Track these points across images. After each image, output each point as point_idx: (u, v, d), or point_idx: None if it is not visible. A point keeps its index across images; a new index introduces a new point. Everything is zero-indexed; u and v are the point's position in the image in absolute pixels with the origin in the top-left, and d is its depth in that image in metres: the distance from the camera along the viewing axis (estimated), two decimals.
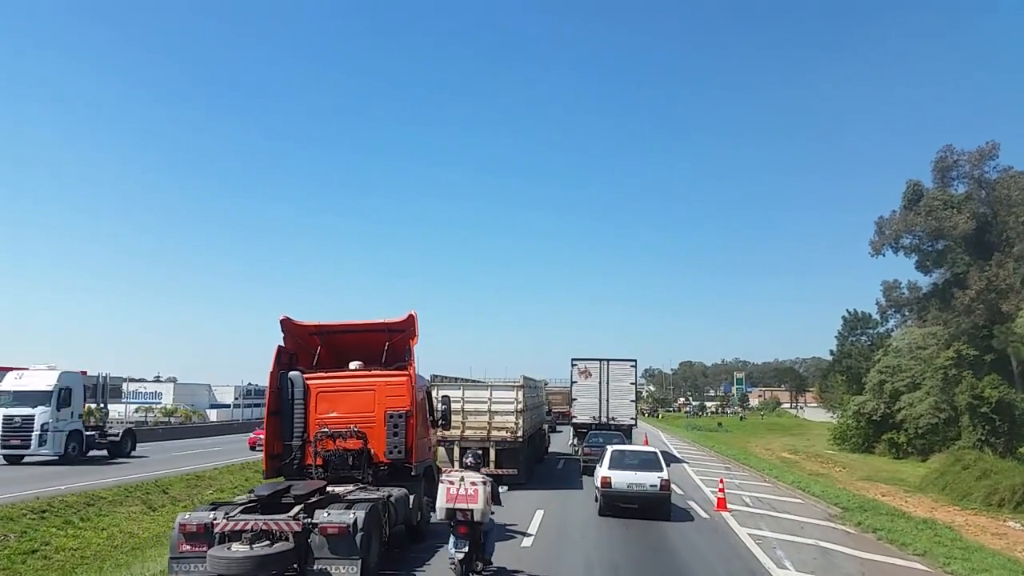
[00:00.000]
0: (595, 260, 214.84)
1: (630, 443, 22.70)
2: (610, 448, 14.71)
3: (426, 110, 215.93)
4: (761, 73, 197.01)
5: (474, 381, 22.24)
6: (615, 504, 13.58)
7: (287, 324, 11.42)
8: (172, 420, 50.25)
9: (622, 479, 13.44)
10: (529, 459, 20.59)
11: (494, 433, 18.02)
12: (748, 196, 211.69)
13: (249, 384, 66.16)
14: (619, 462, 13.92)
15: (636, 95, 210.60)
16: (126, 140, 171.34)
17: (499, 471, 17.67)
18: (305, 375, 10.95)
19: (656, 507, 13.56)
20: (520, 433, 18.10)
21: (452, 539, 8.49)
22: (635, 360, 26.54)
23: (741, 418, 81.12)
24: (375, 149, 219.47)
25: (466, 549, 8.32)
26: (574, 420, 25.86)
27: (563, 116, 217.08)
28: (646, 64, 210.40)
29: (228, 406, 60.26)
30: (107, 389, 44.83)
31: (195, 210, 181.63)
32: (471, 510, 8.28)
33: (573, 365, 25.93)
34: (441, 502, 8.46)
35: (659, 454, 14.47)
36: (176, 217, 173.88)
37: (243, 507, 8.63)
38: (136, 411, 50.88)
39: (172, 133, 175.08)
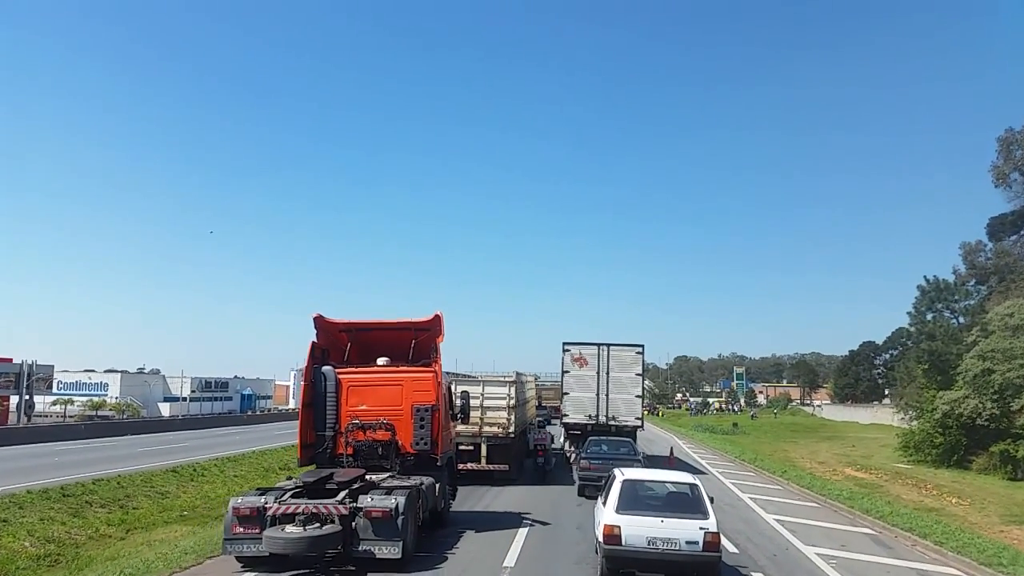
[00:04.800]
0: (586, 254, 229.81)
1: (636, 448, 19.89)
2: (620, 476, 10.63)
3: (423, 107, 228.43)
4: (758, 70, 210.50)
5: (465, 376, 24.24)
6: (627, 571, 9.65)
7: (320, 321, 13.49)
8: (97, 415, 49.24)
9: (639, 530, 9.42)
10: (520, 454, 22.79)
11: (486, 429, 19.96)
12: (743, 191, 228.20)
13: (240, 377, 67.13)
14: (634, 500, 10.02)
15: (635, 93, 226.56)
16: (131, 136, 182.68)
17: (490, 467, 19.92)
18: (337, 370, 13.06)
19: None
20: (512, 429, 20.10)
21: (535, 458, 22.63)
22: (642, 346, 23.84)
23: (753, 416, 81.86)
24: (363, 145, 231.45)
25: (542, 461, 22.20)
26: (565, 419, 24.06)
27: (559, 113, 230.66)
28: (644, 62, 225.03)
29: (184, 399, 61.56)
30: (31, 379, 45.39)
31: (199, 206, 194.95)
32: (544, 444, 22.74)
33: (565, 351, 23.84)
34: (531, 441, 24.07)
35: (700, 487, 10.33)
36: (181, 211, 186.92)
37: (292, 492, 10.68)
38: (54, 403, 50.75)
39: (180, 129, 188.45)
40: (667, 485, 10.86)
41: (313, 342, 13.22)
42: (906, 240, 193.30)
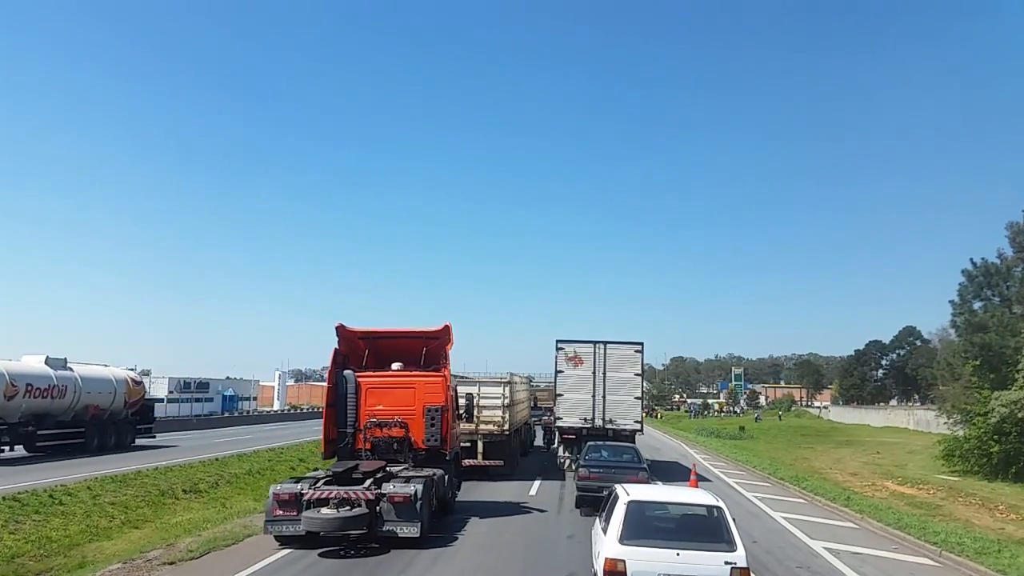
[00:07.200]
0: (580, 254, 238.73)
1: (640, 455, 18.51)
2: (624, 496, 9.22)
3: (416, 108, 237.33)
4: (758, 73, 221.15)
5: (462, 376, 26.38)
6: None
7: (341, 330, 15.90)
8: None
9: (650, 565, 8.22)
10: (515, 451, 25.18)
11: (482, 427, 22.39)
12: (739, 193, 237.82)
13: (231, 378, 68.06)
14: (642, 526, 8.77)
15: (634, 94, 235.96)
16: (130, 136, 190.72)
17: (486, 462, 22.39)
18: (356, 373, 15.49)
19: None
20: (507, 427, 22.57)
21: (543, 436, 36.56)
22: (641, 344, 23.87)
23: (757, 419, 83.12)
24: (357, 146, 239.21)
25: (548, 439, 33.36)
26: (559, 423, 23.99)
27: (557, 115, 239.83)
28: (641, 64, 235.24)
29: (160, 400, 63.24)
30: None
31: (203, 207, 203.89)
32: (550, 426, 30.32)
33: (559, 349, 23.94)
34: (538, 424, 36.86)
35: (724, 509, 8.96)
36: (186, 214, 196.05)
37: (324, 480, 13.16)
38: None
39: (179, 130, 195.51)
40: (682, 507, 9.53)
41: (335, 348, 15.62)
42: (904, 242, 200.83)
